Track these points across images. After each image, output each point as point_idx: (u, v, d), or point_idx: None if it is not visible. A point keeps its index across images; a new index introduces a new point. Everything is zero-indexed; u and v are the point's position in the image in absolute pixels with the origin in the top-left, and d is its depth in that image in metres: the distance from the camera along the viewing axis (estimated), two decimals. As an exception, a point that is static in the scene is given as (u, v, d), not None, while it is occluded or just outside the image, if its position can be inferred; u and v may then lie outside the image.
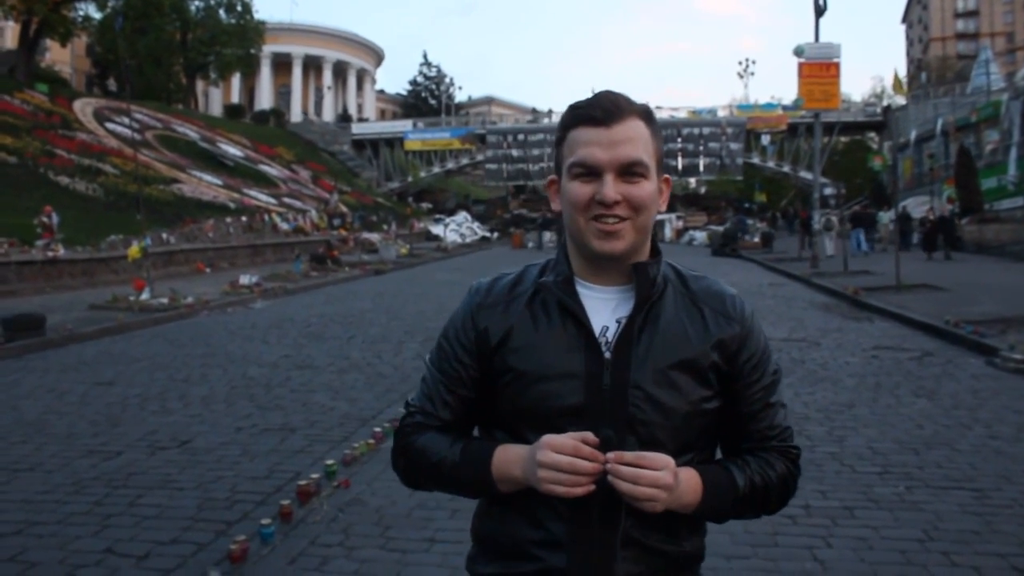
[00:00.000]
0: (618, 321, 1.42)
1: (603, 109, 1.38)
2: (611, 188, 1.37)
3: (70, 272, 19.25)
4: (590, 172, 1.38)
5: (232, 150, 45.21)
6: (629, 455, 1.30)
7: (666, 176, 1.49)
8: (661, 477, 1.29)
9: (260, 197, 37.29)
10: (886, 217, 31.95)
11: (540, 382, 1.41)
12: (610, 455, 1.30)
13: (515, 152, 58.55)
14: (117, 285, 17.80)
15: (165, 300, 14.84)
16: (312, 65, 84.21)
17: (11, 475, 5.43)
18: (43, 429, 6.65)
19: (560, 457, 1.30)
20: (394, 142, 63.55)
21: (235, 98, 76.73)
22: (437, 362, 1.55)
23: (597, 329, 1.41)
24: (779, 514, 4.57)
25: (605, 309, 1.44)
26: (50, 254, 18.75)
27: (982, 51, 53.13)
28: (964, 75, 58.33)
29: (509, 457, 1.41)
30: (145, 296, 14.99)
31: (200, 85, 66.77)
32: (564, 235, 1.52)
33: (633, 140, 1.38)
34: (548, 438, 1.32)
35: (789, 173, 56.32)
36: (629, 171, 1.38)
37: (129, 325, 12.65)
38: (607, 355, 1.39)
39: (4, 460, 5.78)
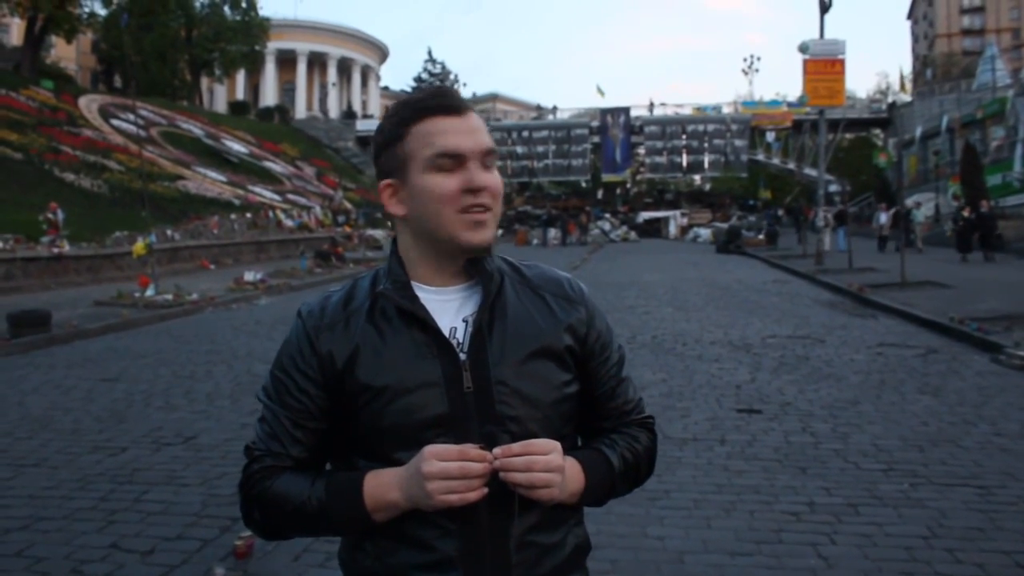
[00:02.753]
0: (465, 320, 1.38)
1: (456, 98, 1.36)
2: (480, 175, 1.34)
3: (75, 268, 19.31)
4: (456, 162, 1.33)
5: (237, 147, 45.23)
6: (516, 446, 1.26)
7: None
8: (553, 460, 1.27)
9: (264, 194, 37.32)
10: (920, 215, 30.19)
11: (399, 397, 1.32)
12: (496, 451, 1.25)
13: (519, 149, 58.52)
14: (122, 281, 17.84)
15: (170, 297, 14.88)
16: (317, 62, 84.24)
17: (17, 471, 5.46)
18: (49, 425, 6.67)
19: (449, 464, 1.23)
20: (399, 139, 63.41)
21: (240, 95, 76.74)
22: (276, 397, 1.40)
23: (445, 332, 1.35)
24: (782, 511, 4.58)
25: (449, 310, 1.38)
26: (55, 251, 18.80)
27: (988, 47, 53.01)
28: (970, 71, 58.18)
29: (382, 481, 1.30)
30: (150, 293, 15.03)
31: (205, 82, 66.74)
32: (395, 242, 1.46)
33: (483, 129, 1.38)
34: (430, 448, 1.25)
35: (794, 170, 56.15)
36: (487, 160, 1.36)
37: (134, 321, 12.68)
38: (463, 356, 1.34)
39: (10, 456, 5.81)
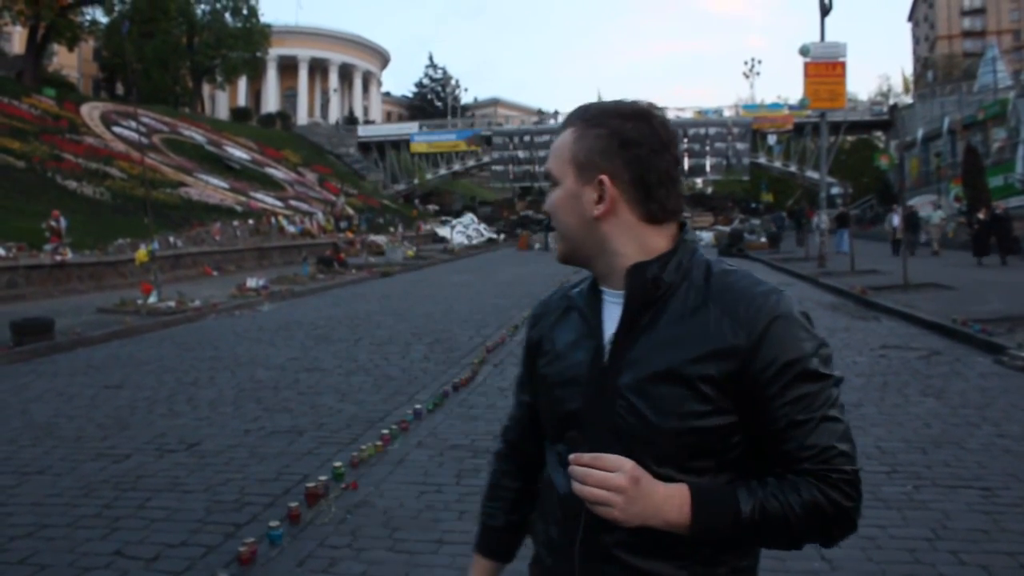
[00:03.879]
0: None
1: (572, 115, 1.45)
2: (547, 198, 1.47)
3: (78, 276, 19.33)
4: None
5: (239, 153, 45.30)
6: (586, 456, 1.26)
7: (600, 176, 1.36)
8: (611, 478, 1.23)
9: (267, 200, 37.35)
10: (937, 216, 28.98)
11: (554, 388, 1.44)
12: (570, 457, 1.28)
13: (521, 153, 58.62)
14: (125, 289, 17.87)
15: (172, 303, 14.88)
16: (318, 68, 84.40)
17: (21, 478, 5.46)
18: (52, 432, 6.68)
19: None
20: (400, 144, 63.65)
21: (241, 101, 76.93)
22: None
23: (608, 335, 1.38)
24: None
25: (617, 314, 1.39)
26: (58, 258, 18.81)
27: (989, 49, 52.91)
28: (971, 73, 58.10)
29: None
30: (153, 300, 15.04)
31: (206, 89, 66.89)
32: None
33: (552, 152, 1.44)
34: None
35: (795, 173, 56.26)
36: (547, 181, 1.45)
37: (137, 328, 12.69)
38: (606, 361, 1.36)
39: (14, 463, 5.81)
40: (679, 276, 1.35)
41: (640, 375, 1.32)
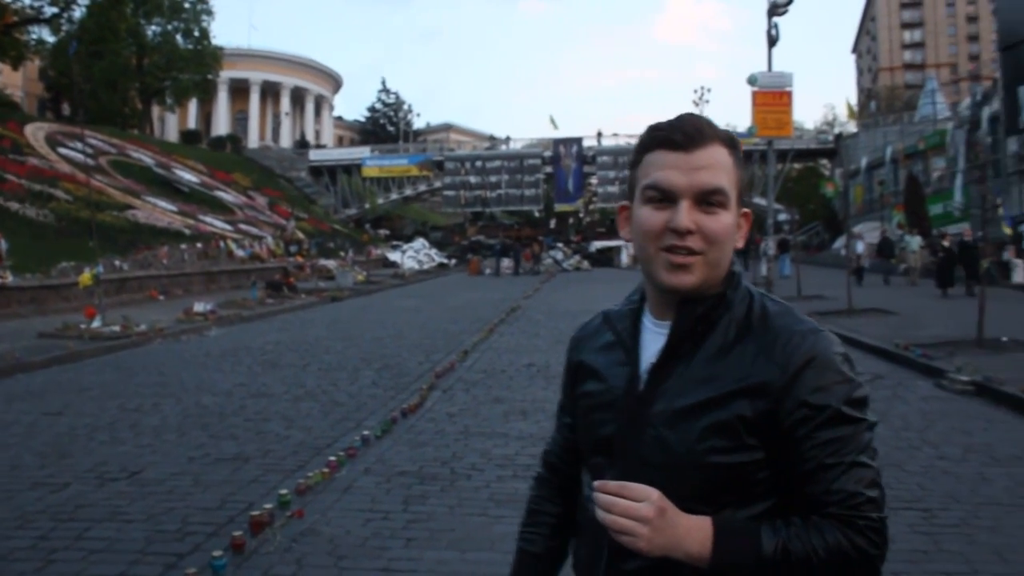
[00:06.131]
0: None
1: (684, 132, 1.32)
2: (685, 216, 1.30)
3: (19, 299, 18.85)
4: (664, 197, 1.32)
5: (188, 176, 44.75)
6: (612, 484, 1.25)
7: (746, 210, 1.40)
8: (636, 508, 1.22)
9: (216, 223, 36.92)
10: (915, 243, 26.96)
11: (591, 411, 1.45)
12: (596, 484, 1.28)
13: (473, 179, 58.68)
14: (68, 313, 17.46)
15: (117, 328, 14.59)
16: (270, 91, 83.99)
17: (-47, 509, 5.29)
18: (-12, 461, 6.48)
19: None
20: (352, 169, 63.39)
21: (191, 123, 76.17)
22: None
23: (645, 364, 1.38)
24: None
25: (659, 343, 1.38)
26: (-2, 282, 18.36)
27: (928, 81, 54.70)
28: (912, 104, 59.92)
29: None
30: (96, 324, 14.74)
31: (156, 110, 66.15)
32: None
33: (714, 167, 1.32)
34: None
35: (744, 199, 57.10)
36: (707, 200, 1.31)
37: (80, 354, 12.42)
38: (642, 389, 1.37)
39: (-54, 493, 5.63)
40: (723, 309, 1.36)
41: (673, 406, 1.32)
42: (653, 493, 1.23)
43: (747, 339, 1.32)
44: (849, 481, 1.27)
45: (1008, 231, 25.69)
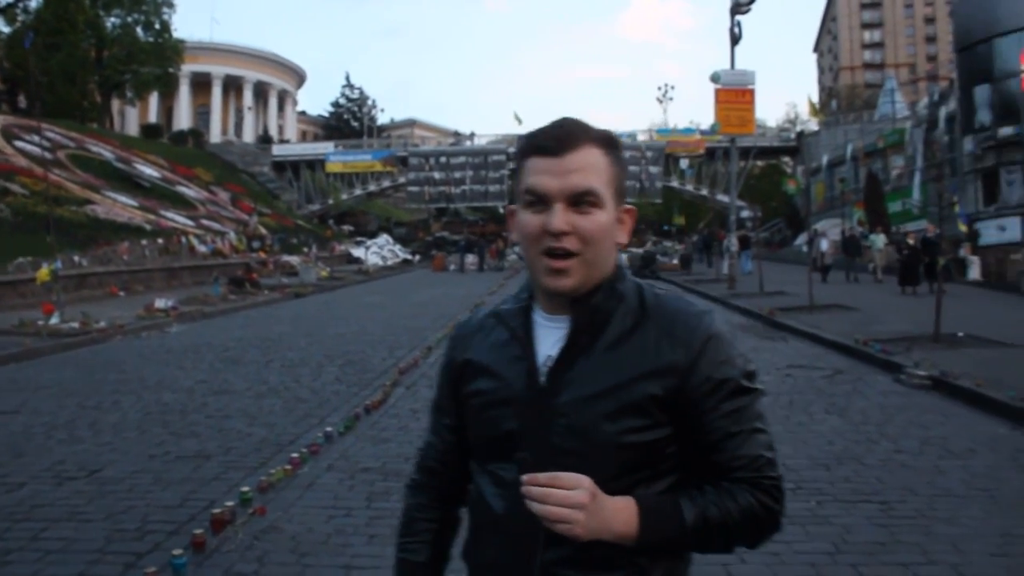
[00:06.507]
0: None
1: (555, 138, 1.37)
2: (559, 217, 1.34)
3: (-26, 296, 18.50)
4: (540, 201, 1.36)
5: (149, 171, 44.11)
6: (543, 476, 1.26)
7: (628, 207, 1.45)
8: (572, 496, 1.25)
9: (177, 219, 36.44)
10: (880, 241, 27.26)
11: (487, 408, 1.44)
12: (524, 477, 1.28)
13: (437, 175, 58.46)
14: (25, 309, 17.15)
15: (76, 324, 14.37)
16: (232, 85, 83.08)
17: (-95, 509, 5.18)
18: (-59, 460, 6.36)
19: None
20: (315, 164, 62.90)
21: (152, 118, 75.11)
22: (435, 394, 1.65)
23: (542, 357, 1.41)
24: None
25: (553, 337, 1.42)
26: (-48, 278, 17.99)
27: (887, 81, 55.53)
28: (872, 103, 60.76)
29: None
30: (54, 320, 14.51)
31: (116, 104, 65.08)
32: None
33: (585, 169, 1.35)
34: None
35: (707, 196, 57.56)
36: (580, 201, 1.35)
37: (37, 351, 12.21)
38: (543, 382, 1.39)
39: (-102, 494, 5.51)
40: (616, 300, 1.41)
41: (580, 394, 1.36)
42: (584, 479, 1.27)
43: (646, 325, 1.39)
44: (752, 446, 1.37)
45: (964, 228, 26.16)
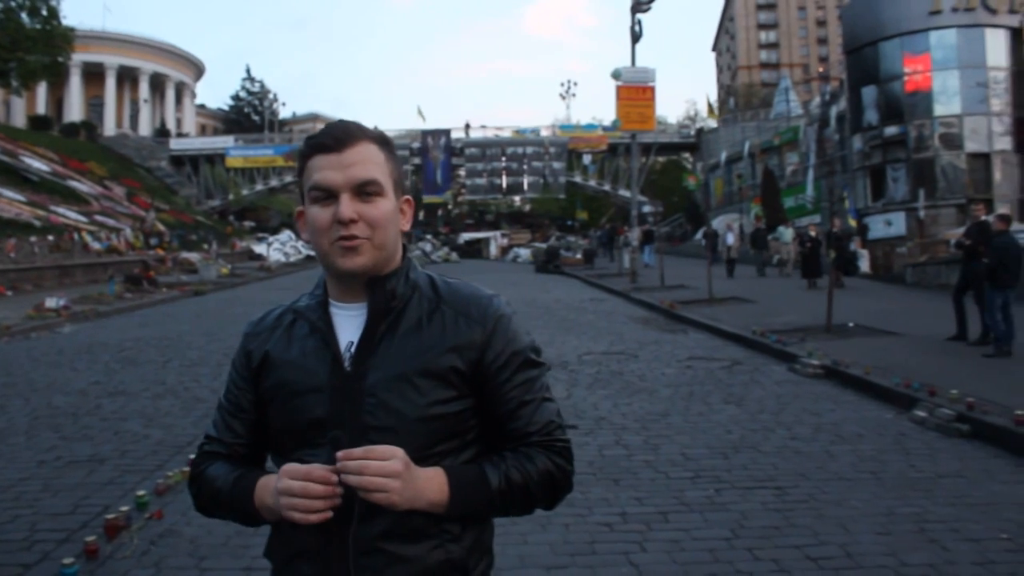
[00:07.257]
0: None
1: (334, 136, 1.46)
2: (347, 207, 1.43)
3: None
4: (328, 195, 1.46)
5: (37, 164, 42.32)
6: (358, 451, 1.33)
7: (407, 197, 1.58)
8: (387, 466, 1.32)
9: (69, 215, 35.07)
10: (788, 234, 27.65)
11: (293, 398, 1.49)
12: (339, 453, 1.34)
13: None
14: (-99, 311, 16.26)
15: (-42, 326, 13.69)
16: (127, 76, 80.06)
17: None
18: None
19: (293, 483, 1.35)
20: (215, 159, 61.37)
21: (41, 109, 71.75)
22: (224, 390, 1.66)
23: (343, 344, 1.49)
24: (596, 522, 4.73)
25: (352, 325, 1.50)
26: None
27: (782, 80, 57.30)
28: (768, 101, 62.56)
29: (266, 485, 1.46)
30: (-66, 322, 13.78)
31: (0, 94, 62.07)
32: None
33: (365, 162, 1.46)
34: (286, 466, 1.38)
35: (609, 191, 58.39)
36: (364, 191, 1.46)
37: (-85, 354, 11.58)
38: (347, 367, 1.46)
39: None
40: (410, 288, 1.53)
41: (387, 375, 1.44)
42: (397, 450, 1.35)
43: (442, 308, 1.51)
44: (544, 413, 1.53)
45: (853, 223, 27.19)
